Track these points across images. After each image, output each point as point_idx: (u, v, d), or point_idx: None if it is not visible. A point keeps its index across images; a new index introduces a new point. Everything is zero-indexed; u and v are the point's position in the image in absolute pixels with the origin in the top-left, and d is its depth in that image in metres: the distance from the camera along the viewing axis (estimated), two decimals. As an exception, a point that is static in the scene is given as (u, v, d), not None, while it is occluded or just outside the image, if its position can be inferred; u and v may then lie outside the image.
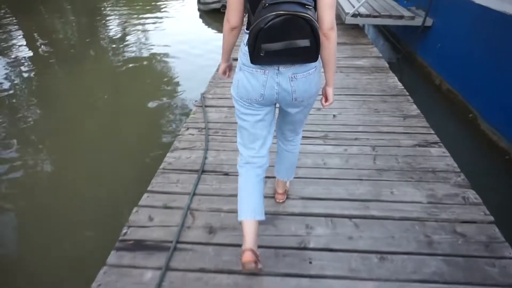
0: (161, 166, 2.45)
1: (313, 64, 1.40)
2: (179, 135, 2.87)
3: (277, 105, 1.57)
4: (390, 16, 4.95)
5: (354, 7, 5.21)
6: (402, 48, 5.73)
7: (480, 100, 3.77)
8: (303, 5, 1.21)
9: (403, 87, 3.65)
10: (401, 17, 4.94)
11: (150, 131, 4.01)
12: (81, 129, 4.06)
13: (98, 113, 4.47)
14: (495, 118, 3.49)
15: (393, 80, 3.85)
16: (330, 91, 1.57)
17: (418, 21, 4.95)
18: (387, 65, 4.29)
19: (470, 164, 2.85)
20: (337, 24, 1.37)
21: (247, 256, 1.47)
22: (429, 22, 4.92)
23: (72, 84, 5.48)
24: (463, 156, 2.83)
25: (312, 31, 1.23)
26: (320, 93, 1.58)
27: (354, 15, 4.97)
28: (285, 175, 1.98)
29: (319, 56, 1.36)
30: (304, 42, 1.25)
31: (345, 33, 5.44)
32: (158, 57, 6.58)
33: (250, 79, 1.44)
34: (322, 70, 1.49)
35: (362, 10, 5.05)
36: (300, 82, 1.42)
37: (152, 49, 6.97)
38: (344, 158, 2.51)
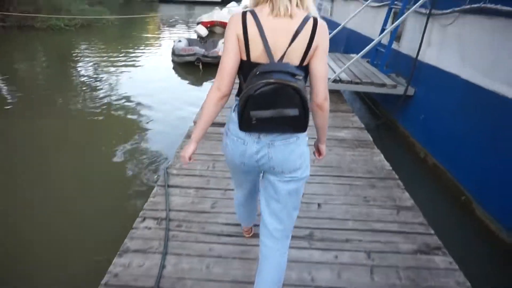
0: (104, 281, 1.90)
1: (296, 134, 1.41)
2: (132, 228, 2.34)
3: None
4: (371, 84, 4.77)
5: (335, 72, 5.02)
6: (382, 115, 5.56)
7: (473, 181, 3.49)
8: (293, 75, 1.24)
9: (391, 168, 3.32)
10: (383, 85, 4.77)
11: (95, 218, 3.20)
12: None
13: (42, 177, 3.86)
14: (491, 204, 3.19)
15: (379, 159, 3.52)
16: (322, 147, 1.67)
17: (400, 90, 4.80)
18: (370, 138, 4.00)
19: (470, 261, 2.47)
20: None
21: None
22: (411, 91, 4.78)
23: (30, 130, 4.97)
24: (461, 250, 2.48)
25: (301, 100, 1.24)
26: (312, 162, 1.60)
27: (335, 81, 4.76)
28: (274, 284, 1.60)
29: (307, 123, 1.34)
30: (293, 111, 1.27)
31: (324, 97, 5.23)
32: (126, 111, 6.13)
33: (231, 146, 1.49)
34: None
35: (343, 76, 4.86)
36: (278, 150, 1.41)
37: (120, 101, 6.55)
38: (336, 270, 2.05)
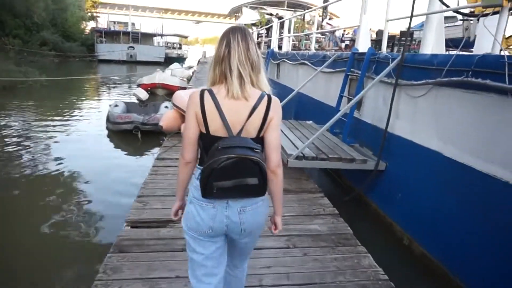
0: None
1: (259, 197, 1.55)
2: None
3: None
4: (339, 159, 4.19)
5: (297, 147, 4.39)
6: (350, 189, 4.97)
7: (478, 280, 2.85)
8: (252, 149, 1.41)
9: (387, 278, 2.58)
10: (352, 160, 4.21)
11: None
12: None
13: None
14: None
15: (369, 262, 2.79)
16: (278, 220, 1.70)
17: (370, 165, 4.26)
18: (350, 231, 3.30)
19: None
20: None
21: None
22: (382, 165, 4.26)
23: None
24: None
25: (260, 170, 1.41)
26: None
27: (298, 157, 4.10)
28: None
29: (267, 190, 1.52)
30: (253, 180, 1.42)
31: (285, 175, 4.53)
32: (53, 182, 5.05)
33: (200, 212, 1.54)
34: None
35: (307, 151, 4.23)
36: (249, 215, 1.55)
37: (45, 171, 5.53)
38: None
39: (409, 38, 11.17)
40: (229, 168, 1.37)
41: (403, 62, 3.94)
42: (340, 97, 5.46)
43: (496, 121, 2.80)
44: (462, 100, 3.15)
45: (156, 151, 6.41)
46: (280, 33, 12.75)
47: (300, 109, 7.83)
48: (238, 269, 1.84)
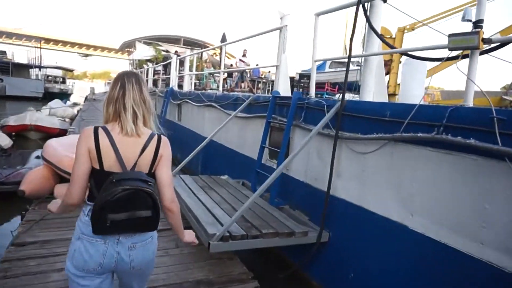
0: None
1: (149, 233, 1.63)
2: None
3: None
4: (276, 234, 3.23)
5: (220, 222, 3.29)
6: (285, 263, 4.02)
7: None
8: (145, 181, 1.50)
9: None
10: (290, 234, 3.29)
11: None
12: None
13: None
14: None
15: None
16: (186, 239, 1.81)
17: (311, 237, 3.39)
18: None
19: None
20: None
21: None
22: (324, 236, 3.44)
23: None
24: None
25: (153, 204, 1.50)
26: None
27: (223, 238, 3.01)
28: None
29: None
30: (147, 213, 1.50)
31: (204, 257, 3.37)
32: None
33: (89, 248, 1.53)
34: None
35: (234, 228, 3.16)
36: (139, 251, 1.60)
37: None
38: None
39: (306, 81, 11.51)
40: (123, 200, 1.44)
41: (343, 110, 3.28)
42: (262, 148, 4.61)
43: (486, 190, 2.19)
44: (430, 161, 2.52)
45: (15, 226, 4.58)
46: (180, 71, 11.78)
47: (209, 159, 6.79)
48: None
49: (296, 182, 4.10)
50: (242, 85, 13.61)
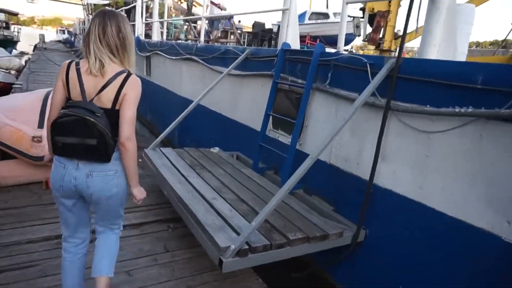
0: None
1: (112, 167, 1.73)
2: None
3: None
4: (306, 239, 2.42)
5: (230, 226, 2.41)
6: (301, 261, 3.27)
7: None
8: (92, 112, 1.60)
9: None
10: (324, 237, 2.49)
11: None
12: None
13: None
14: None
15: None
16: (134, 191, 1.85)
17: (347, 238, 2.62)
18: None
19: None
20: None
21: None
22: (361, 235, 2.68)
23: None
24: None
25: (100, 134, 1.60)
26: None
27: (240, 253, 2.15)
28: (106, 268, 1.92)
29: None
30: (91, 141, 1.60)
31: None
32: None
33: (54, 170, 1.74)
34: None
35: (252, 235, 2.28)
36: (97, 180, 1.71)
37: None
38: None
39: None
40: (68, 125, 1.58)
41: (397, 72, 2.38)
42: (267, 116, 3.66)
43: None
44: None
45: None
46: (146, 18, 10.19)
47: (191, 125, 5.73)
48: (102, 232, 1.96)
49: (317, 162, 3.25)
50: (211, 35, 12.08)
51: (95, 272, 1.91)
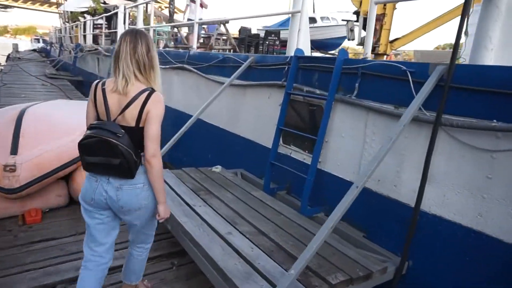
0: None
1: (140, 180, 1.76)
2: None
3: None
4: (349, 282, 2.00)
5: (258, 271, 1.97)
6: None
7: None
8: (114, 133, 1.65)
9: None
10: (368, 276, 2.08)
11: None
12: None
13: None
14: None
15: None
16: (160, 208, 1.83)
17: (390, 273, 2.23)
18: None
19: None
20: None
21: None
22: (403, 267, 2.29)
23: None
24: None
25: (122, 154, 1.64)
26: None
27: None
28: (131, 277, 2.13)
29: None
30: (115, 161, 1.66)
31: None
32: None
33: (86, 184, 1.79)
34: None
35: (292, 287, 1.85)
36: (125, 193, 1.75)
37: None
38: None
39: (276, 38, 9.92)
40: (92, 146, 1.66)
41: (450, 80, 2.03)
42: (279, 131, 3.26)
43: None
44: None
45: None
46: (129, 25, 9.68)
47: (185, 140, 5.26)
48: (134, 248, 2.05)
49: (337, 181, 2.87)
50: (186, 39, 11.34)
51: (124, 278, 2.16)
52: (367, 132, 2.61)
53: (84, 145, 1.67)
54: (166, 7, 15.88)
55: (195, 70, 4.83)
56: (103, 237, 1.86)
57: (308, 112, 3.17)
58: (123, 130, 1.67)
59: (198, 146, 4.90)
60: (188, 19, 9.31)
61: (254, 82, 3.73)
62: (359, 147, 2.68)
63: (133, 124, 1.69)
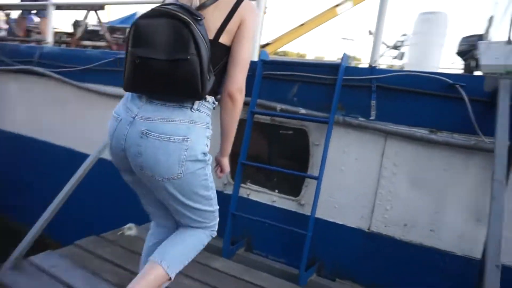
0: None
1: (183, 130, 1.12)
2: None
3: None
4: None
5: None
6: None
7: None
8: (191, 13, 1.05)
9: None
10: None
11: None
12: None
13: None
14: None
15: None
16: (224, 161, 1.38)
17: None
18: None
19: None
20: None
21: None
22: None
23: None
24: None
25: (196, 46, 1.03)
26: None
27: None
28: (161, 253, 1.27)
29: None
30: (182, 55, 1.04)
31: None
32: None
33: (109, 124, 1.24)
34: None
35: None
36: (151, 145, 1.11)
37: None
38: None
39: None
40: (154, 29, 1.04)
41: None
42: (240, 167, 2.27)
43: None
44: None
45: None
46: None
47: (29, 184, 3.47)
48: (171, 222, 1.40)
49: (338, 230, 2.13)
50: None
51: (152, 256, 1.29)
52: (385, 163, 1.98)
53: (142, 26, 1.05)
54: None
55: (59, 76, 3.24)
56: (150, 204, 1.40)
57: (283, 139, 2.32)
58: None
59: (89, 195, 3.28)
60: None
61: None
62: (371, 183, 2.02)
63: (211, 36, 1.14)
